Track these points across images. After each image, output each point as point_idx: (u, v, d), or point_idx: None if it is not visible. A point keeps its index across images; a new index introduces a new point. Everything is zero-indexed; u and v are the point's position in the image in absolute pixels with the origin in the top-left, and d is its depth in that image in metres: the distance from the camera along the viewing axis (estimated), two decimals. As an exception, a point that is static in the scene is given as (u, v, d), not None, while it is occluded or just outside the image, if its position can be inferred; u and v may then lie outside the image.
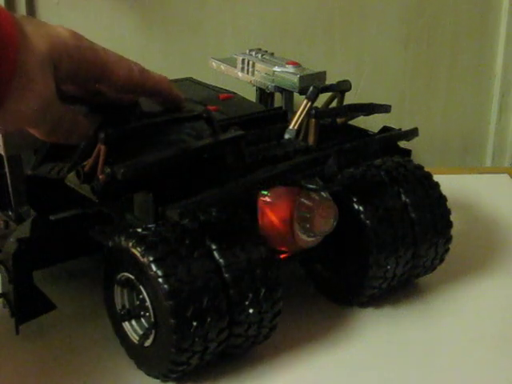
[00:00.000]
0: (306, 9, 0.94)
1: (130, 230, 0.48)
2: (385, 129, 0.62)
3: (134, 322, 0.50)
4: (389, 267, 0.55)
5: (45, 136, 0.50)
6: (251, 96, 0.68)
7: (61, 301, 0.56)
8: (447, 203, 0.59)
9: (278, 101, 0.68)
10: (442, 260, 0.60)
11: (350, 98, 0.61)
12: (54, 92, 0.47)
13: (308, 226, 0.51)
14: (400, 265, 0.56)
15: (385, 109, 0.61)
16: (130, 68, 0.52)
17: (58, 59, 0.47)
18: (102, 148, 0.47)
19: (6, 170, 0.53)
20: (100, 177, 0.47)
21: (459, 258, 0.65)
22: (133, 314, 0.50)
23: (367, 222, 0.54)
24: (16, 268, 0.51)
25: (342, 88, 0.60)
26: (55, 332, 0.56)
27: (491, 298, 0.61)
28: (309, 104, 0.57)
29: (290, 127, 0.57)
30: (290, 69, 0.64)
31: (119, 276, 0.49)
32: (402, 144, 0.62)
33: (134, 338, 0.50)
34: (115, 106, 0.56)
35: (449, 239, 0.59)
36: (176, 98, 0.56)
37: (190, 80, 0.71)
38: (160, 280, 0.45)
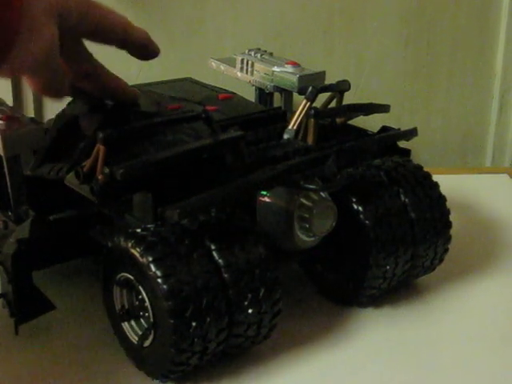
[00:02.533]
0: (305, 9, 0.94)
1: (130, 230, 0.48)
2: (384, 129, 0.62)
3: (133, 323, 0.50)
4: (388, 267, 0.55)
5: (41, 88, 0.51)
6: (250, 96, 0.68)
7: (61, 301, 0.56)
8: (447, 203, 0.59)
9: (278, 101, 0.68)
10: (441, 260, 0.60)
11: (349, 98, 0.61)
12: (57, 39, 0.48)
13: (307, 226, 0.51)
14: (399, 265, 0.56)
15: (384, 109, 0.61)
16: (124, 22, 0.54)
17: (62, 9, 0.48)
18: (101, 148, 0.47)
19: (6, 170, 0.53)
20: (99, 177, 0.47)
21: (459, 258, 0.65)
22: (132, 314, 0.50)
23: (366, 222, 0.54)
24: (15, 268, 0.51)
25: (341, 88, 0.60)
26: (55, 332, 0.56)
27: (491, 297, 0.61)
28: (308, 104, 0.57)
29: (289, 127, 0.57)
30: (290, 69, 0.64)
31: (118, 276, 0.49)
32: (402, 144, 0.62)
33: (134, 338, 0.50)
34: (115, 107, 0.56)
35: (448, 239, 0.59)
36: (154, 48, 0.57)
37: (190, 80, 0.71)
38: (159, 280, 0.45)
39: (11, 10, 0.45)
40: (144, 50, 0.57)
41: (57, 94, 0.53)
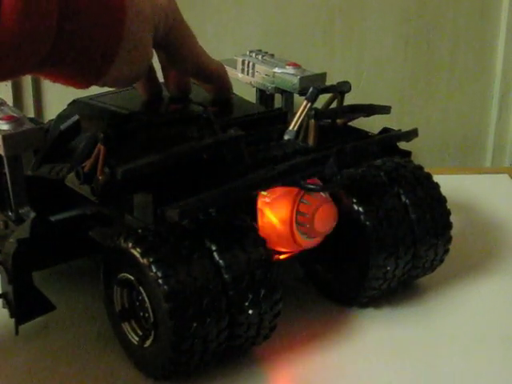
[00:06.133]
0: (306, 10, 0.94)
1: (130, 230, 0.48)
2: (385, 130, 0.62)
3: (133, 323, 0.50)
4: (388, 268, 0.55)
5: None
6: (251, 97, 0.68)
7: (60, 301, 0.56)
8: (447, 204, 0.59)
9: (278, 102, 0.68)
10: (441, 261, 0.60)
11: (350, 99, 0.61)
12: (152, 54, 0.50)
13: (308, 226, 0.51)
14: (400, 266, 0.56)
15: (385, 110, 0.61)
16: (201, 51, 0.56)
17: (157, 24, 0.50)
18: (101, 148, 0.47)
19: (6, 170, 0.53)
20: (100, 177, 0.47)
21: (459, 258, 0.65)
22: (132, 314, 0.50)
23: (367, 222, 0.54)
24: (15, 268, 0.51)
25: (341, 89, 0.60)
26: (55, 332, 0.56)
27: (491, 298, 0.61)
28: (308, 105, 0.57)
29: (290, 128, 0.57)
30: (290, 70, 0.64)
31: (119, 277, 0.49)
32: (402, 145, 0.62)
33: (134, 338, 0.50)
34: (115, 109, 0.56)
35: (448, 240, 0.59)
36: (228, 87, 0.60)
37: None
38: (160, 281, 0.44)
39: (115, 24, 0.46)
40: (215, 84, 0.59)
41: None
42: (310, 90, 0.57)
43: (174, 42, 0.53)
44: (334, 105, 0.61)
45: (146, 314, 0.48)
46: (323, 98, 0.60)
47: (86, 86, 0.50)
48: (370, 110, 0.60)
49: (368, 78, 0.98)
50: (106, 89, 0.59)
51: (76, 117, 0.57)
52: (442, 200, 0.58)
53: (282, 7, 0.94)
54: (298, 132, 0.56)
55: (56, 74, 0.48)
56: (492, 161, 1.04)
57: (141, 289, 0.47)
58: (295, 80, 0.63)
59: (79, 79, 0.49)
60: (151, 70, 0.57)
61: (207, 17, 0.93)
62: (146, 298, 0.47)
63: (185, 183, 0.50)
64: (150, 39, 0.50)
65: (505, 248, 0.69)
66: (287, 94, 0.65)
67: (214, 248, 0.47)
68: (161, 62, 0.58)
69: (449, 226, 0.59)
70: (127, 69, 0.49)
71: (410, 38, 0.98)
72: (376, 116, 0.61)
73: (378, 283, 0.56)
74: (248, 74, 0.68)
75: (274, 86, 0.65)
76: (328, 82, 0.63)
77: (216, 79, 0.59)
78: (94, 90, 0.60)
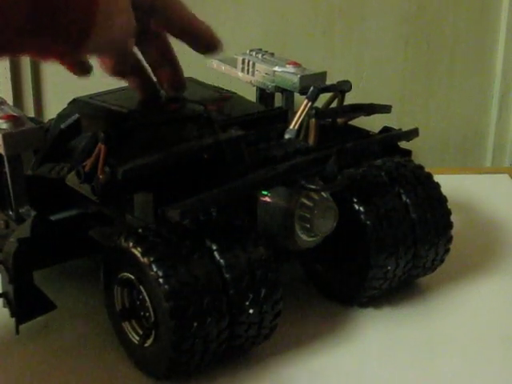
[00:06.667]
0: (306, 9, 0.94)
1: (130, 230, 0.48)
2: (386, 129, 0.62)
3: (134, 322, 0.50)
4: (389, 268, 0.55)
5: (111, 69, 0.54)
6: (252, 96, 0.68)
7: (61, 301, 0.56)
8: (447, 203, 0.59)
9: (279, 101, 0.68)
10: (442, 261, 0.60)
11: (350, 99, 0.61)
12: (133, 19, 0.49)
13: (308, 226, 0.51)
14: (400, 265, 0.56)
15: (385, 109, 0.61)
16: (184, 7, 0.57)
17: None
18: (102, 147, 0.47)
19: (7, 169, 0.53)
20: (100, 177, 0.47)
21: (459, 258, 0.65)
22: (133, 314, 0.50)
23: (367, 222, 0.54)
24: (16, 268, 0.51)
25: (342, 88, 0.60)
26: (55, 332, 0.56)
27: (491, 297, 0.61)
28: (309, 104, 0.57)
29: (291, 127, 0.57)
30: (291, 69, 0.64)
31: (119, 276, 0.49)
32: (403, 144, 0.62)
33: (134, 338, 0.50)
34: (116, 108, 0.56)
35: (449, 240, 0.59)
36: (214, 39, 0.61)
37: (191, 80, 0.70)
38: (160, 280, 0.44)
39: None
40: (206, 42, 0.60)
41: (122, 75, 0.55)
42: (311, 89, 0.57)
43: (166, 8, 0.55)
44: (334, 104, 0.61)
45: (147, 314, 0.48)
46: (324, 97, 0.60)
47: (70, 54, 0.49)
48: (370, 109, 0.60)
49: (368, 78, 0.98)
50: (106, 88, 0.59)
51: (76, 116, 0.57)
52: (442, 200, 0.58)
53: (282, 7, 0.94)
54: (298, 131, 0.56)
55: (37, 47, 0.47)
56: (492, 161, 1.04)
57: (141, 288, 0.47)
58: (295, 79, 0.63)
59: (61, 48, 0.47)
60: (144, 69, 0.57)
61: (207, 16, 0.93)
62: (147, 298, 0.47)
63: (185, 183, 0.50)
64: (129, 2, 0.49)
65: (505, 248, 0.69)
66: (287, 93, 0.65)
67: (214, 248, 0.47)
68: (148, 61, 0.58)
69: (449, 225, 0.58)
70: (109, 32, 0.48)
71: (410, 38, 0.98)
72: (376, 115, 0.61)
73: (378, 283, 0.56)
74: (248, 73, 0.68)
75: (274, 84, 0.65)
76: (328, 82, 0.63)
77: (206, 34, 0.61)
78: (95, 89, 0.60)
